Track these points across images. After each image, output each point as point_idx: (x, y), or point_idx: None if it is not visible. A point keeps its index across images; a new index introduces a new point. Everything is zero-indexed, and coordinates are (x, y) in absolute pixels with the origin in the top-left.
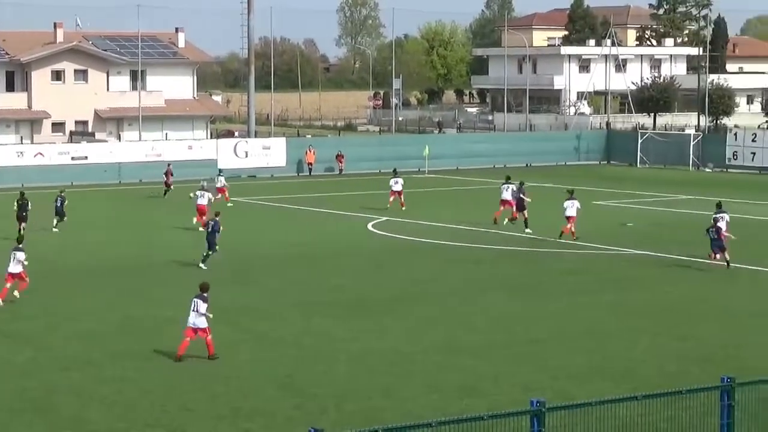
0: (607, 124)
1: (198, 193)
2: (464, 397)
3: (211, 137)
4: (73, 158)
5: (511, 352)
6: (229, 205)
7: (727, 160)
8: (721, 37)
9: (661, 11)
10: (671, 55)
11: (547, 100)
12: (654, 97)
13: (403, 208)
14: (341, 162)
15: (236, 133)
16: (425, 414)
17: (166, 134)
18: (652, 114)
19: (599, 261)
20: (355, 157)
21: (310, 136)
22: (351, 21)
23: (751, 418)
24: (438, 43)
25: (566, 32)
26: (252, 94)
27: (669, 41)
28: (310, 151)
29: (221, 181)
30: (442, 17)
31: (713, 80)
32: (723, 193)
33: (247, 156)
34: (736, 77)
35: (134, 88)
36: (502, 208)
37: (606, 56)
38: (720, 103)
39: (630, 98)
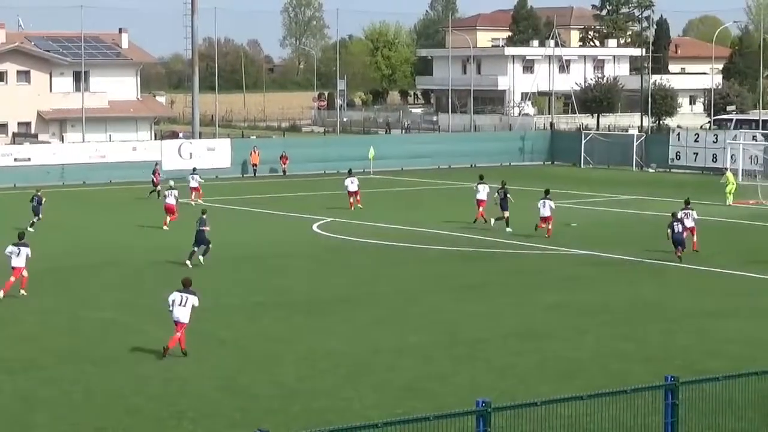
0: (551, 124)
1: (166, 192)
2: (410, 398)
3: (155, 138)
4: (16, 160)
5: (456, 353)
6: (196, 203)
7: (670, 161)
8: (663, 38)
9: (604, 12)
10: (614, 56)
11: (492, 100)
12: (597, 98)
13: (360, 206)
14: (285, 163)
15: (180, 134)
16: (371, 415)
17: (110, 135)
18: (595, 114)
19: (543, 261)
20: (300, 158)
21: (254, 137)
22: (295, 22)
23: (695, 416)
24: (382, 43)
25: (510, 33)
26: (196, 95)
27: (612, 42)
28: (254, 152)
29: (195, 180)
30: (387, 18)
31: (656, 81)
32: (666, 193)
33: (191, 157)
34: (678, 78)
35: (77, 89)
36: (481, 208)
37: (550, 57)
38: (663, 103)
39: (574, 99)
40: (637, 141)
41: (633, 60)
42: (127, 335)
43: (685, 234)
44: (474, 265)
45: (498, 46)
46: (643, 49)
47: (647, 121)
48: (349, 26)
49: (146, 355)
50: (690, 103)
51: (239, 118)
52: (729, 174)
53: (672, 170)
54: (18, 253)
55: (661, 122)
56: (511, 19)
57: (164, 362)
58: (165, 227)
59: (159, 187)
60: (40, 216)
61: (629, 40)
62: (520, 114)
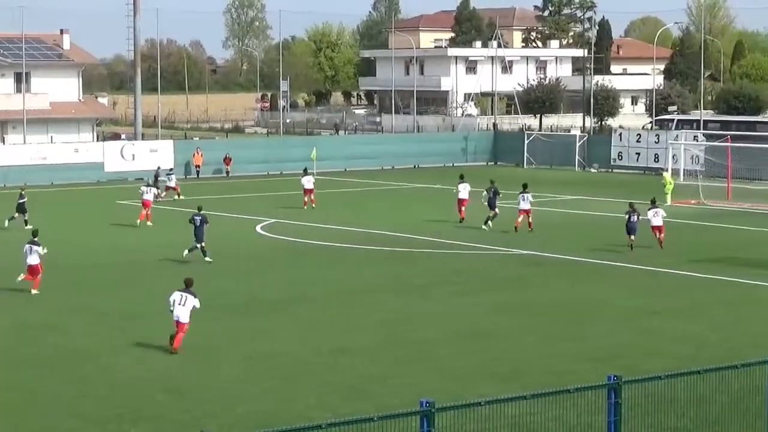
0: (494, 125)
1: (143, 189)
2: (353, 399)
3: (98, 140)
4: None
5: (399, 353)
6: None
7: (612, 161)
8: (605, 39)
9: (546, 13)
10: (557, 57)
11: (435, 101)
12: (540, 99)
13: (313, 206)
14: (229, 164)
15: (123, 136)
16: (315, 416)
17: (52, 137)
18: (538, 115)
19: (486, 261)
20: (243, 160)
21: (197, 138)
22: (238, 23)
23: (638, 415)
24: (325, 44)
25: (453, 34)
26: (138, 97)
27: (554, 43)
28: (197, 154)
29: (173, 180)
30: (329, 19)
31: (598, 81)
32: (608, 193)
33: (134, 159)
34: (620, 78)
35: (18, 90)
36: (463, 207)
37: (492, 58)
38: (605, 104)
39: (516, 99)
40: (579, 141)
41: (575, 61)
42: (71, 338)
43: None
44: (417, 265)
45: (441, 47)
46: (585, 50)
47: (589, 122)
48: (291, 27)
49: (90, 358)
50: (632, 104)
51: (182, 119)
52: (666, 174)
53: (614, 170)
54: (31, 252)
55: (603, 123)
56: (453, 20)
57: (107, 364)
58: (146, 221)
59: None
60: (25, 215)
61: (571, 41)
62: (463, 115)
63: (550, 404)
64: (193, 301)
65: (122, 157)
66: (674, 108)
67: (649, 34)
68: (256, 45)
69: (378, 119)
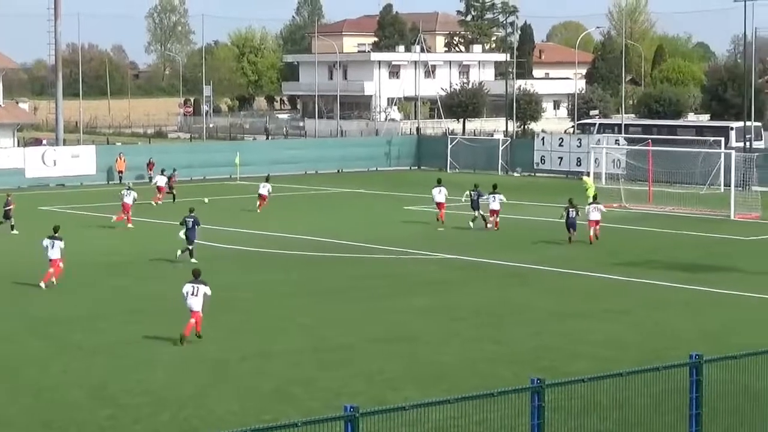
0: (418, 129)
1: (124, 192)
2: (277, 403)
3: (18, 146)
4: None
5: (322, 358)
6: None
7: (534, 165)
8: (527, 44)
9: (468, 18)
10: (479, 61)
11: (358, 106)
12: (463, 103)
13: (258, 211)
14: (152, 170)
15: (44, 141)
16: (239, 421)
17: None
18: (461, 119)
19: (410, 265)
20: (166, 165)
21: (120, 143)
22: (160, 27)
23: (561, 417)
24: (248, 49)
25: (376, 38)
26: (60, 102)
27: (477, 47)
28: (120, 159)
29: (162, 181)
30: (252, 23)
31: (521, 86)
32: (531, 197)
33: (55, 164)
34: (542, 83)
35: None
36: (442, 211)
37: (415, 62)
38: (527, 108)
39: (439, 104)
40: (502, 145)
41: (498, 65)
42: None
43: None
44: (341, 269)
45: (364, 51)
46: (508, 55)
47: (512, 126)
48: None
49: (19, 366)
50: (554, 108)
51: (104, 124)
52: (587, 178)
53: (537, 174)
54: (53, 246)
55: (525, 127)
56: (376, 24)
57: (32, 373)
58: (128, 224)
59: (175, 191)
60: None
61: (494, 45)
62: (386, 119)
63: (474, 408)
64: (204, 289)
65: (43, 162)
66: (596, 112)
67: (571, 39)
68: (178, 50)
69: (301, 124)
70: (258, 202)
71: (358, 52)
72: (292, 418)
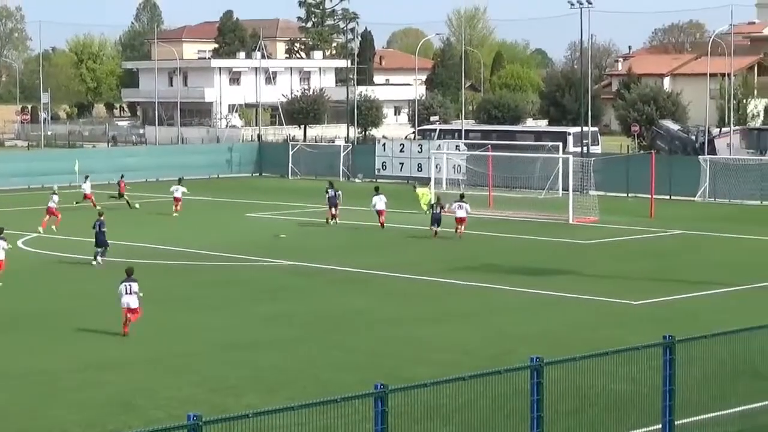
0: (259, 136)
1: (52, 196)
2: (120, 413)
3: None
4: None
5: (166, 366)
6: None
7: (376, 171)
8: (368, 50)
9: (309, 24)
10: (320, 68)
11: (199, 112)
12: (304, 109)
13: (176, 214)
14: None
15: None
16: None
17: None
18: (302, 126)
19: (253, 272)
20: (3, 173)
21: None
22: None
23: (405, 422)
24: (87, 56)
25: (216, 45)
26: None
27: (318, 54)
28: None
29: (88, 187)
30: (91, 30)
31: (361, 92)
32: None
33: None
34: (383, 89)
35: None
36: (382, 218)
37: (256, 69)
38: (368, 114)
39: (281, 110)
40: (343, 152)
41: (339, 71)
42: None
43: (458, 224)
44: (184, 277)
45: (204, 58)
46: (349, 61)
47: (353, 132)
48: (52, 38)
49: None
50: (395, 114)
51: None
52: (419, 190)
53: (378, 180)
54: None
55: (367, 133)
56: (217, 31)
57: None
58: (41, 229)
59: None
60: None
61: (335, 51)
62: (227, 126)
63: (317, 414)
64: (135, 287)
65: None
66: (436, 118)
67: (411, 45)
68: (15, 56)
69: (142, 131)
70: (174, 206)
71: (199, 58)
72: (136, 428)
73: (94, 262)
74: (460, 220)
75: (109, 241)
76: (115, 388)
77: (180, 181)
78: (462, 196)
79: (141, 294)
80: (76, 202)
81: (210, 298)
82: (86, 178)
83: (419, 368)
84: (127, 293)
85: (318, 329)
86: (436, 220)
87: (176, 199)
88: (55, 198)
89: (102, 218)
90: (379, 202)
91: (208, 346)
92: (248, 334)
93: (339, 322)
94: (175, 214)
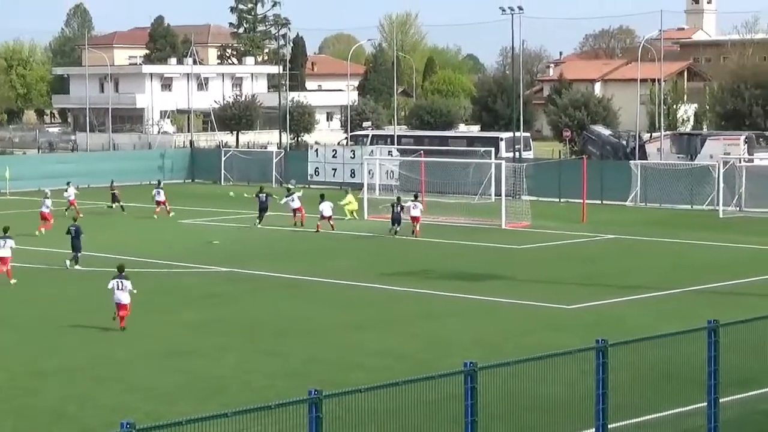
0: (191, 142)
1: (44, 200)
2: (53, 422)
3: None
4: None
5: (98, 374)
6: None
7: (309, 176)
8: (300, 56)
9: (241, 30)
10: (252, 74)
11: (131, 119)
12: (236, 115)
13: (171, 215)
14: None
15: None
16: None
17: None
18: (235, 132)
19: (185, 279)
20: None
21: None
22: None
23: (339, 429)
24: (17, 62)
25: (148, 51)
26: None
27: (250, 60)
28: None
29: (72, 193)
30: (20, 35)
31: (294, 98)
32: (307, 209)
33: None
34: (315, 95)
35: None
36: (331, 222)
37: (188, 75)
38: (301, 120)
39: (213, 116)
40: (276, 158)
41: (271, 77)
42: None
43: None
44: None
45: (135, 64)
46: (281, 67)
47: (286, 138)
48: None
49: None
50: (327, 120)
51: None
52: (347, 197)
53: (311, 186)
54: (3, 246)
55: (299, 139)
56: (148, 36)
57: None
58: (39, 232)
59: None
60: None
61: (267, 57)
62: (159, 132)
63: (252, 421)
64: (127, 284)
65: None
66: (369, 124)
67: (343, 51)
68: None
69: (73, 137)
70: (156, 208)
71: (130, 64)
72: None
73: (68, 262)
74: (415, 219)
75: (43, 249)
76: (50, 397)
77: (159, 184)
78: (416, 196)
79: (135, 291)
80: (66, 210)
81: (143, 305)
82: (68, 183)
83: (353, 374)
84: (119, 289)
85: (251, 336)
86: (396, 220)
87: (159, 203)
88: (48, 202)
89: (77, 224)
90: (327, 209)
91: (140, 354)
92: (181, 342)
93: (272, 328)
94: (171, 214)
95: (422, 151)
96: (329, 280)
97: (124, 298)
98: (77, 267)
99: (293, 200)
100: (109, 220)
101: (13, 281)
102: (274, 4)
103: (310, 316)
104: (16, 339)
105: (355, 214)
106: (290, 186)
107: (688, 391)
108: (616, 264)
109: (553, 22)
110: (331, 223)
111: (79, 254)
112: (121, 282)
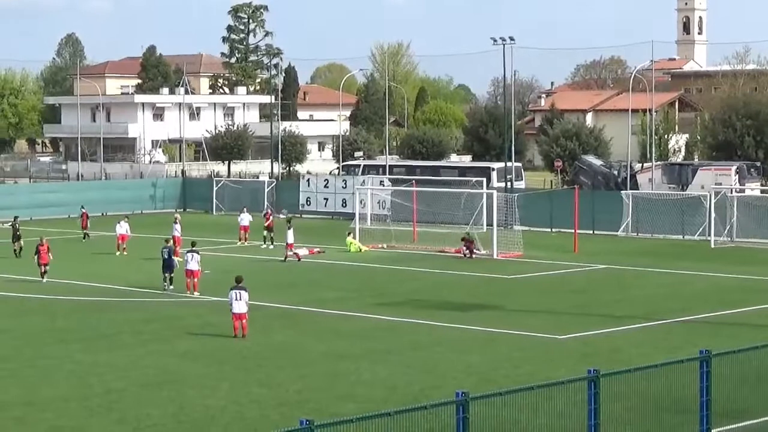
0: (183, 171)
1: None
2: None
3: None
4: None
5: (90, 404)
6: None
7: (300, 206)
8: (292, 86)
9: (233, 60)
10: (244, 103)
11: (122, 148)
12: (228, 145)
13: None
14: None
15: None
16: None
17: None
18: (226, 161)
19: (177, 309)
20: None
21: None
22: None
23: None
24: (8, 91)
25: (140, 80)
26: None
27: (242, 89)
28: None
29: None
30: (12, 65)
31: (285, 127)
32: (299, 239)
33: None
34: (307, 124)
35: None
36: (297, 252)
37: (180, 104)
38: (292, 150)
39: (204, 146)
40: (268, 187)
41: (263, 107)
42: None
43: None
44: (108, 314)
45: (127, 93)
46: (272, 97)
47: (278, 168)
48: None
49: None
50: (319, 149)
51: None
52: (348, 239)
53: (303, 216)
54: (191, 259)
55: (291, 168)
56: (140, 66)
57: None
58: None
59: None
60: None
61: (258, 87)
62: (151, 161)
63: None
64: (245, 295)
65: None
66: (360, 153)
67: (335, 81)
68: None
69: (64, 167)
70: (241, 233)
71: (122, 93)
72: None
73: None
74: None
75: (29, 278)
76: (40, 427)
77: (176, 220)
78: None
79: (247, 299)
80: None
81: (133, 335)
82: (82, 208)
83: (345, 404)
84: (236, 300)
85: (243, 366)
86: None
87: (244, 228)
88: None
89: (169, 245)
90: (290, 235)
91: (132, 384)
92: (172, 372)
93: (264, 358)
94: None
95: (414, 181)
96: (322, 309)
97: (242, 308)
98: (171, 287)
99: (288, 234)
100: (97, 249)
101: (196, 294)
102: (266, 34)
103: (301, 346)
104: (6, 369)
105: (360, 249)
106: (282, 215)
107: (681, 422)
108: (608, 294)
109: (544, 52)
110: (294, 251)
111: (169, 275)
112: (239, 293)
